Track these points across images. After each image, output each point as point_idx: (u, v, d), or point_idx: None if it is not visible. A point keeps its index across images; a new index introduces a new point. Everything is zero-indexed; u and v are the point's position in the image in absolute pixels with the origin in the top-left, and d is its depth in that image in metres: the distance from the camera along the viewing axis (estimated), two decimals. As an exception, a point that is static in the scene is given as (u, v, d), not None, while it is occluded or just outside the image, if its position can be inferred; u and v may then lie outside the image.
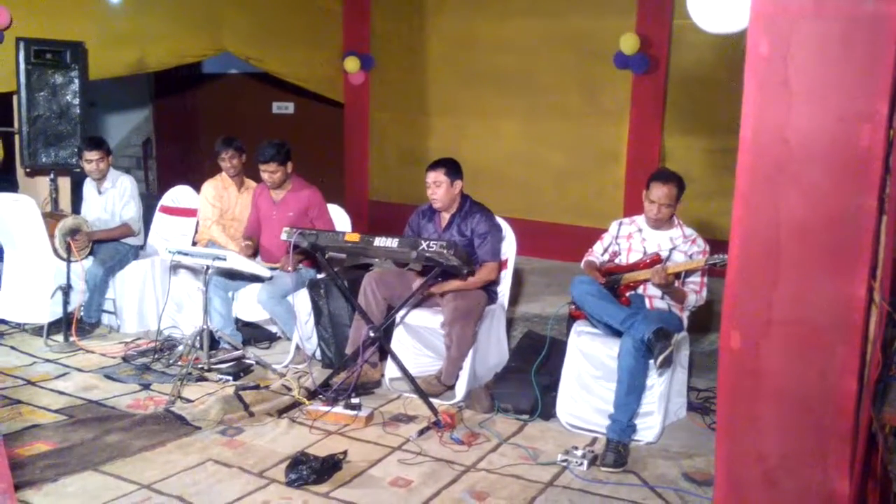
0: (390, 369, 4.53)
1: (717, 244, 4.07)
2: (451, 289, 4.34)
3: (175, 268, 5.29)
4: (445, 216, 4.56)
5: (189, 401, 4.23)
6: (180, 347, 4.93)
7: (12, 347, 5.11)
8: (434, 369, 4.52)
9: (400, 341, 4.57)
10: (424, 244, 3.98)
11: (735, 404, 2.13)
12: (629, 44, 6.39)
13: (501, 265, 4.59)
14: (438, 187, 4.45)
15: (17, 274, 5.36)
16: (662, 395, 3.89)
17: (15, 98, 6.09)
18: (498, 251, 4.51)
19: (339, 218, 5.41)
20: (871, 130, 1.85)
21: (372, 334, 4.28)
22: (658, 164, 6.32)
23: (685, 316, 4.14)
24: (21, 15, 5.99)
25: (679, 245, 4.07)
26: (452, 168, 4.47)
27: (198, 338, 4.63)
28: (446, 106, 7.86)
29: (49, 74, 5.99)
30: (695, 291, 4.03)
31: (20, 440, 3.65)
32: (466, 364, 4.34)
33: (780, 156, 1.95)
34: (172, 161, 10.25)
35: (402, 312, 4.48)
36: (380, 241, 4.09)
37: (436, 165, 4.48)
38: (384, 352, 4.48)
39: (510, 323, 5.05)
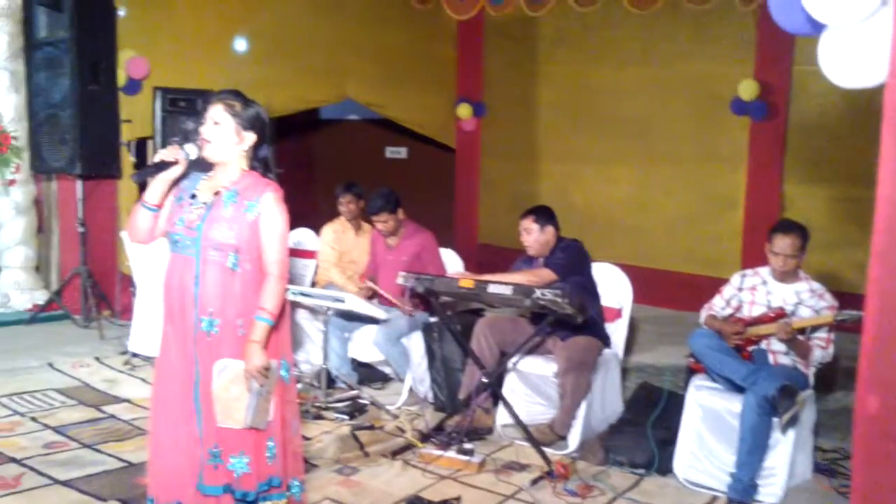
0: (502, 416, 4.54)
1: (842, 297, 3.92)
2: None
3: (294, 308, 5.47)
4: (541, 261, 4.58)
5: (307, 438, 4.33)
6: (299, 385, 5.08)
7: (143, 380, 5.38)
8: (546, 417, 4.49)
9: (512, 388, 4.57)
10: (539, 292, 3.99)
11: (872, 472, 2.06)
12: (748, 90, 6.29)
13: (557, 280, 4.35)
14: (529, 234, 4.52)
15: (149, 309, 5.66)
16: (787, 454, 3.75)
17: (150, 143, 6.52)
18: (563, 268, 4.39)
19: (452, 261, 5.49)
20: None
21: (485, 380, 4.31)
22: (778, 212, 6.15)
23: (811, 373, 3.98)
24: (158, 66, 6.45)
25: (805, 300, 3.93)
26: (542, 214, 4.54)
27: (316, 377, 4.77)
28: (558, 152, 7.89)
29: (182, 120, 6.39)
30: (821, 347, 3.88)
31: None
32: (580, 414, 4.30)
33: (922, 214, 1.89)
34: (289, 203, 10.61)
35: (514, 359, 4.49)
36: (494, 288, 4.12)
37: (526, 213, 4.58)
38: (497, 397, 4.50)
39: (623, 373, 4.98)
